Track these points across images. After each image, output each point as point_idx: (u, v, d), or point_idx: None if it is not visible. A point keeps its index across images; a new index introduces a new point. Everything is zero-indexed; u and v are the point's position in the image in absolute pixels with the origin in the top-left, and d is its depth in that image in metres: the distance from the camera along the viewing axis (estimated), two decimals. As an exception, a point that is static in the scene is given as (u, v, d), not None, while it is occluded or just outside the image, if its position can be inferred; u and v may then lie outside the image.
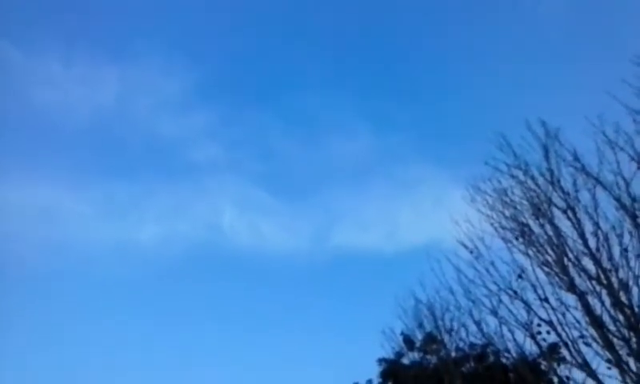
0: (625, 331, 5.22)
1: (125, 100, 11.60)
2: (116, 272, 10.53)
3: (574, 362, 5.44)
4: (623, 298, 5.31)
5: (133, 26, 12.06)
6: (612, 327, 5.31)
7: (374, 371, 8.04)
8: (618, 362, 5.21)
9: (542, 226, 5.91)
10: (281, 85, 12.41)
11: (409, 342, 7.88)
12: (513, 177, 6.13)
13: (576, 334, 5.46)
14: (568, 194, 5.87)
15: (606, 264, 5.49)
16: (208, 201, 11.42)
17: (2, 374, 8.65)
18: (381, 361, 8.14)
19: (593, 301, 5.47)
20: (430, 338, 7.66)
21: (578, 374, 5.58)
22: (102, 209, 10.65)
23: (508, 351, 5.97)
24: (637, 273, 5.31)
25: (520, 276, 5.95)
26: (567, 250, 5.67)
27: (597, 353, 5.37)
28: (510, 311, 5.87)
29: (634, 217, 5.41)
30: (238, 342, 10.27)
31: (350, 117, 12.50)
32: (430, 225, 10.19)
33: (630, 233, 5.42)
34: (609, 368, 5.31)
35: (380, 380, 8.15)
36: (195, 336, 10.26)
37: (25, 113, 10.98)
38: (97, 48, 11.70)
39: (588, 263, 5.61)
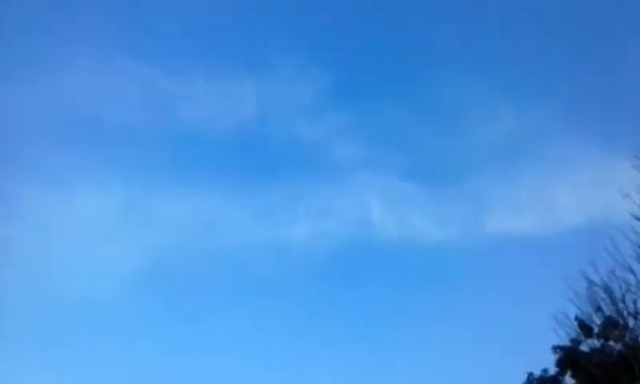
0: None
1: (264, 110, 11.89)
2: (271, 271, 10.80)
3: None
4: None
5: (265, 40, 12.35)
6: None
7: (549, 359, 7.82)
8: None
9: None
10: (414, 76, 12.35)
11: (585, 327, 7.53)
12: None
13: None
14: None
15: None
16: (354, 197, 11.52)
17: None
18: (556, 348, 7.80)
19: None
20: (611, 323, 7.33)
21: None
22: (255, 213, 10.97)
23: None
24: None
25: None
26: None
27: None
28: None
29: None
30: (396, 334, 10.34)
31: (488, 99, 12.30)
32: (591, 202, 9.86)
33: None
34: None
35: (557, 369, 7.88)
36: (349, 327, 10.42)
37: (173, 130, 11.42)
38: (234, 63, 12.04)
39: None
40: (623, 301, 6.61)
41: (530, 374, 7.64)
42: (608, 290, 6.66)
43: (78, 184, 10.55)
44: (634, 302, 6.49)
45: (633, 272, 5.99)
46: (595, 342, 7.33)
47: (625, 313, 6.68)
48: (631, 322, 6.73)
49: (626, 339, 6.88)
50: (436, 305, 10.44)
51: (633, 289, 6.21)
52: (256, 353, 9.70)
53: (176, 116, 11.47)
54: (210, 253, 10.57)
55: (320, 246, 10.96)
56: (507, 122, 12.10)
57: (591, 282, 6.61)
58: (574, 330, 7.35)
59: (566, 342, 7.47)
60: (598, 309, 6.97)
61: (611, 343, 7.25)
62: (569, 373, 7.52)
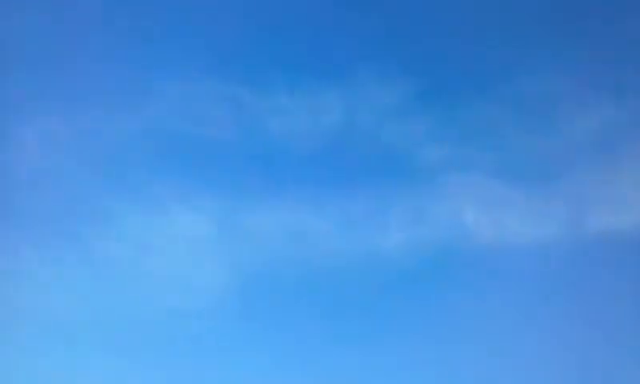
0: None
1: (350, 118, 11.89)
2: (362, 281, 10.78)
3: None
4: None
5: (347, 48, 12.35)
6: None
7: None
8: None
9: None
10: (501, 74, 11.96)
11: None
12: None
13: None
14: None
15: None
16: (445, 201, 11.28)
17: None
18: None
19: None
20: None
21: None
22: (344, 223, 10.97)
23: None
24: None
25: None
26: None
27: None
28: None
29: None
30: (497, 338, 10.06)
31: (582, 89, 11.74)
32: None
33: None
34: None
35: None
36: (445, 335, 10.21)
37: (261, 145, 11.64)
38: (318, 74, 12.13)
39: None
40: None
41: None
42: None
43: (175, 204, 10.94)
44: None
45: None
46: None
47: None
48: None
49: None
50: (534, 307, 10.06)
51: None
52: (346, 366, 9.69)
53: (264, 131, 11.67)
54: (299, 264, 10.64)
55: (412, 253, 10.78)
56: (604, 112, 11.50)
57: None
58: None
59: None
60: None
61: None
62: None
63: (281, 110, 11.82)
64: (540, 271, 10.47)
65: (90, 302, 9.70)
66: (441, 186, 11.42)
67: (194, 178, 11.23)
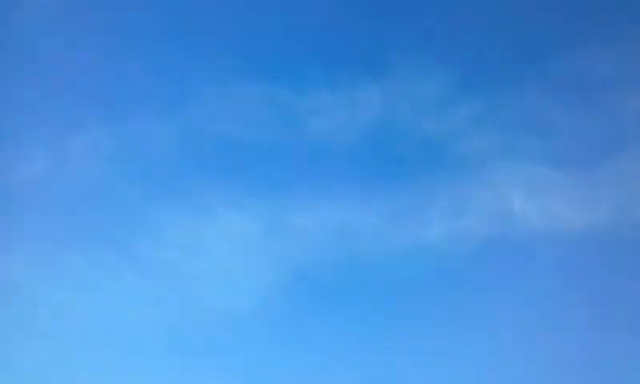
0: None
1: (390, 111, 11.82)
2: (410, 275, 10.70)
3: None
4: None
5: (384, 41, 12.27)
6: None
7: None
8: None
9: None
10: (544, 58, 11.74)
11: None
12: None
13: None
14: None
15: None
16: (491, 190, 11.12)
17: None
18: None
19: None
20: None
21: None
22: (389, 217, 10.91)
23: None
24: None
25: None
26: None
27: None
28: None
29: None
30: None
31: (630, 70, 11.42)
32: None
33: None
34: None
35: None
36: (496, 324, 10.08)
37: (303, 144, 11.66)
38: (356, 69, 12.09)
39: None
40: None
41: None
42: None
43: (220, 206, 11.04)
44: None
45: None
46: None
47: None
48: None
49: None
50: (584, 296, 9.85)
51: None
52: (393, 361, 9.65)
53: (305, 130, 11.68)
54: (346, 261, 10.63)
55: (459, 244, 10.66)
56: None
57: None
58: None
59: None
60: None
61: None
62: None
63: (320, 107, 11.82)
64: (591, 259, 10.25)
65: (140, 307, 9.88)
66: (486, 174, 11.27)
67: (238, 180, 11.32)
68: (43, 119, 11.40)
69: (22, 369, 9.05)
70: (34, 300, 9.67)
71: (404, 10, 12.49)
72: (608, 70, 11.54)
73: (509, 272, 10.61)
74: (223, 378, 9.35)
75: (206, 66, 11.98)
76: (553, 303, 10.13)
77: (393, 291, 10.36)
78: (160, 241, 10.54)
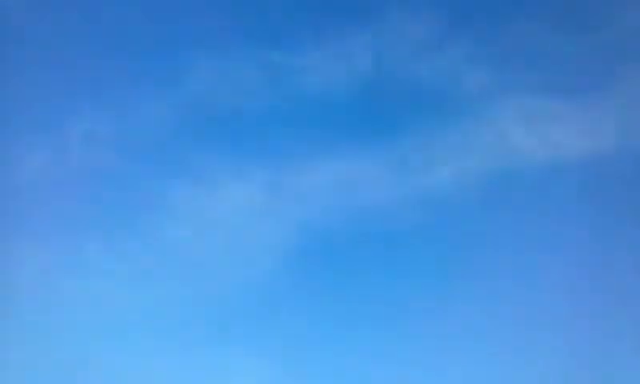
0: None
1: (382, 59, 11.74)
2: (415, 223, 10.77)
3: None
4: None
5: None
6: None
7: None
8: None
9: None
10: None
11: None
12: None
13: None
14: None
15: None
16: (491, 126, 11.10)
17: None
18: None
19: None
20: None
21: None
22: (391, 165, 10.95)
23: None
24: None
25: None
26: None
27: None
28: None
29: None
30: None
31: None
32: None
33: None
34: None
35: None
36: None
37: (298, 104, 11.68)
38: (344, 19, 11.99)
39: None
40: None
41: None
42: None
43: (224, 176, 11.14)
44: None
45: None
46: None
47: None
48: None
49: None
50: (592, 226, 9.89)
51: None
52: (407, 304, 9.80)
53: (299, 90, 11.65)
54: (353, 214, 10.71)
55: (462, 186, 10.70)
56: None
57: None
58: None
59: None
60: None
61: None
62: None
63: (313, 64, 11.78)
64: (594, 187, 10.25)
65: (155, 286, 10.07)
66: (485, 111, 11.24)
67: (240, 148, 11.39)
68: (41, 109, 11.49)
69: (41, 354, 9.30)
70: (51, 289, 9.88)
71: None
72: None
73: (515, 205, 10.66)
74: (245, 345, 9.59)
75: (196, 38, 11.95)
76: (562, 233, 10.19)
77: (398, 240, 10.48)
78: (168, 218, 10.70)
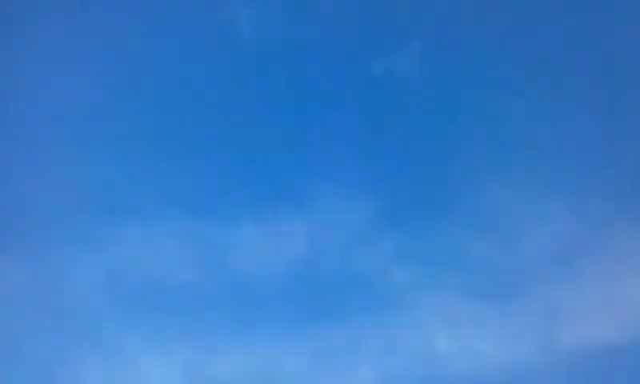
0: None
1: (315, 246, 11.85)
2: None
3: None
4: None
5: (309, 172, 12.39)
6: None
7: None
8: None
9: None
10: (462, 194, 12.06)
11: None
12: None
13: None
14: None
15: None
16: (417, 326, 11.22)
17: None
18: None
19: None
20: None
21: None
22: (316, 359, 10.80)
23: None
24: None
25: None
26: None
27: None
28: None
29: None
30: None
31: (542, 201, 11.87)
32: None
33: None
34: None
35: None
36: None
37: (227, 282, 11.54)
38: (281, 200, 12.14)
39: None
40: None
41: None
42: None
43: (143, 356, 10.72)
44: None
45: None
46: None
47: None
48: None
49: None
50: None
51: None
52: None
53: (229, 267, 11.55)
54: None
55: (388, 387, 10.69)
56: (561, 224, 11.65)
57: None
58: None
59: None
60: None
61: None
62: None
63: (245, 242, 11.75)
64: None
65: None
66: (411, 308, 11.35)
67: (161, 324, 11.01)
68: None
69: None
70: None
71: (327, 138, 12.69)
72: (525, 203, 12.03)
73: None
74: None
75: (130, 203, 11.75)
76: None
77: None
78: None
